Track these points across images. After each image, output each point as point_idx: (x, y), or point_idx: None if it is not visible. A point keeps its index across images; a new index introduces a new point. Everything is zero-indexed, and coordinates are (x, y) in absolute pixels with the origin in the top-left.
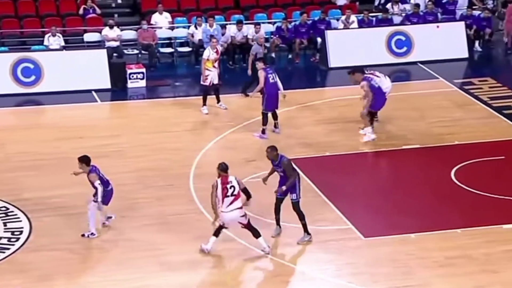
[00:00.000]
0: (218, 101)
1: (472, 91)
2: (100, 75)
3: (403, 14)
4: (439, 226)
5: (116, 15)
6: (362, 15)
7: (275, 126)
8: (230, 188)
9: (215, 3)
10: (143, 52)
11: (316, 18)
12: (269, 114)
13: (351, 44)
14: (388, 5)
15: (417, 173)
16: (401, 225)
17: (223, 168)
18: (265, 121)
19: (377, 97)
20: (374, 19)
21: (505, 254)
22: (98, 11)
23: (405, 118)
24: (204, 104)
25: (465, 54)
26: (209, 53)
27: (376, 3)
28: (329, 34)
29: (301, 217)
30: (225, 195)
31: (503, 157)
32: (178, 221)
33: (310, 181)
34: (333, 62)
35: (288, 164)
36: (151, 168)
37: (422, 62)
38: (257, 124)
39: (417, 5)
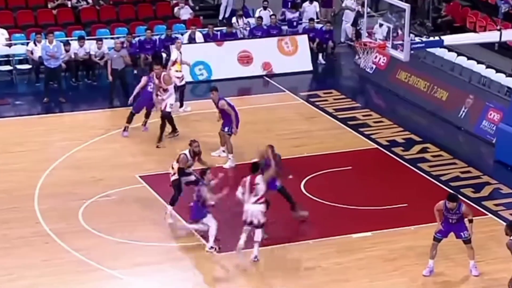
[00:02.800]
0: (182, 105)
1: (317, 103)
2: None
3: (247, 28)
4: (291, 238)
5: None
6: (207, 29)
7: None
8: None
9: (55, 19)
10: None
11: (162, 37)
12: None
13: (197, 59)
14: (233, 19)
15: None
16: (252, 239)
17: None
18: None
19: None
20: (219, 33)
21: (356, 262)
22: None
23: (253, 131)
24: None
25: (310, 67)
26: (177, 55)
27: (221, 16)
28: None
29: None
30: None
31: (350, 167)
32: (23, 244)
33: (160, 198)
34: None
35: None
36: None
37: (268, 76)
38: (105, 140)
39: (260, 18)
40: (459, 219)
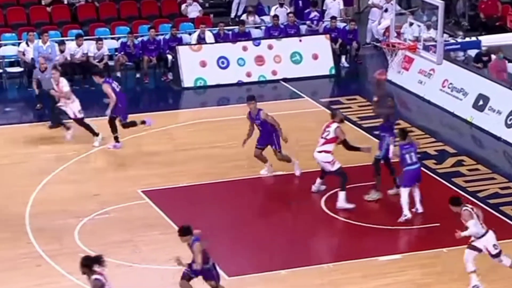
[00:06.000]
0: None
1: (340, 110)
2: None
3: (263, 27)
4: (310, 261)
5: None
6: (217, 28)
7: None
8: (326, 132)
9: (49, 17)
10: None
11: (167, 36)
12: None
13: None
14: (243, 16)
15: (284, 202)
16: (268, 261)
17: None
18: (114, 128)
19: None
20: (230, 33)
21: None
22: None
23: None
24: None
25: (332, 71)
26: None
27: (233, 14)
28: (181, 50)
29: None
30: (320, 136)
31: (375, 182)
32: (12, 267)
33: (164, 215)
34: (187, 81)
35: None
36: None
37: (285, 80)
38: (103, 152)
39: (276, 17)
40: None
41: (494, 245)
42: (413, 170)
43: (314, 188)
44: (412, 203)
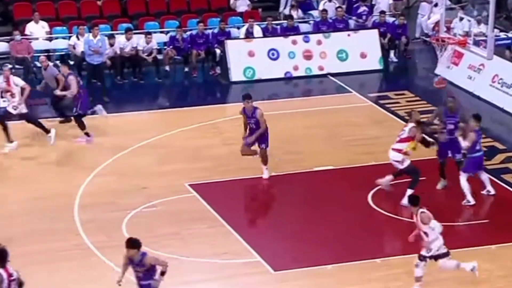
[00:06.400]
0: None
1: (388, 105)
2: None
3: (311, 22)
4: (356, 256)
5: None
6: (266, 23)
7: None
8: (402, 131)
9: (100, 11)
10: (17, 66)
11: (215, 30)
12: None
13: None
14: (286, 10)
15: (330, 197)
16: (314, 256)
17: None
18: (82, 125)
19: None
20: (279, 27)
21: (429, 286)
22: None
23: (315, 136)
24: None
25: (380, 65)
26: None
27: (281, 9)
28: (229, 44)
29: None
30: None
31: (424, 178)
32: (62, 258)
33: (211, 208)
34: (235, 75)
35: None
36: (29, 199)
37: (333, 74)
38: (151, 145)
39: (325, 11)
40: None
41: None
42: (479, 157)
43: (380, 181)
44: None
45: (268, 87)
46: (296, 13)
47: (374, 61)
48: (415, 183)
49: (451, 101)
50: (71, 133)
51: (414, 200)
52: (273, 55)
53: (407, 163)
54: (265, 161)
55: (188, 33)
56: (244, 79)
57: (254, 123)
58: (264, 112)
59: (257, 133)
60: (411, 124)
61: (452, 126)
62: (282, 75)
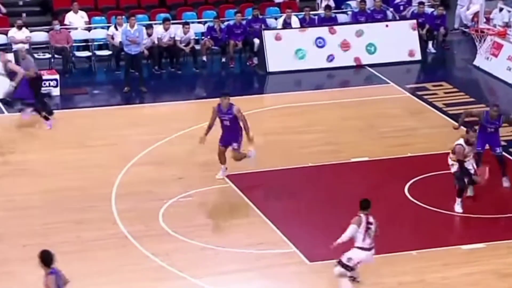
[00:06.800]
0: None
1: (425, 97)
2: (6, 82)
3: (349, 12)
4: (392, 248)
5: (24, 15)
6: (303, 13)
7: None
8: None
9: (138, 1)
10: (56, 56)
11: (249, 17)
12: None
13: (291, 46)
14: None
15: (366, 189)
16: (349, 247)
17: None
18: (47, 107)
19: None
20: (316, 17)
21: (464, 278)
22: (4, 10)
23: (352, 127)
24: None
25: (418, 56)
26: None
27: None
28: (266, 34)
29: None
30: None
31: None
32: (98, 248)
33: (247, 200)
34: (272, 66)
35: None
36: (66, 188)
37: (370, 65)
38: (188, 135)
39: (363, 2)
40: None
41: (349, 258)
42: None
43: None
44: None
45: (304, 77)
46: (327, 3)
47: (412, 52)
48: (460, 192)
49: (494, 110)
50: (103, 122)
51: (363, 204)
52: (320, 43)
53: (454, 168)
54: (238, 160)
55: (226, 23)
56: (281, 69)
57: (229, 120)
58: (302, 102)
59: (246, 127)
60: (461, 140)
61: (492, 130)
62: (324, 62)
